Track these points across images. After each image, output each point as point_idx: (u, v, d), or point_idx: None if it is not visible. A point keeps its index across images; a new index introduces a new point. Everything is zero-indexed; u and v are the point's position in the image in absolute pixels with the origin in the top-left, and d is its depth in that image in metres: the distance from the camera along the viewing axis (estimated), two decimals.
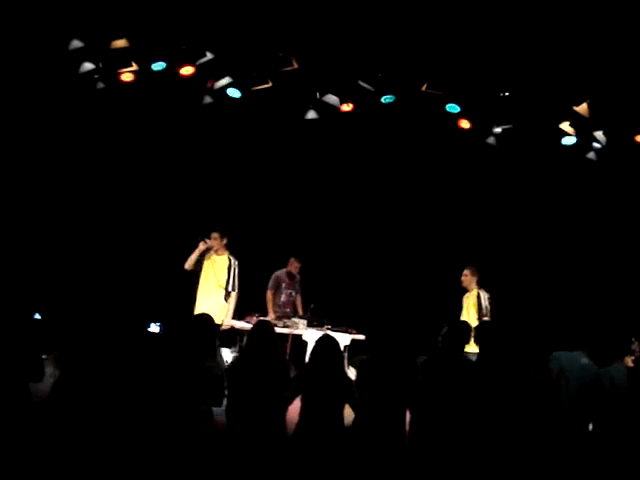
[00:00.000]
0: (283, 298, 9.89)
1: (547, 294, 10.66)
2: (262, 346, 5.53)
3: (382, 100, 9.18)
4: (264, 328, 5.66)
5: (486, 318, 8.66)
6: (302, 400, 5.51)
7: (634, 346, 6.40)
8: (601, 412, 5.56)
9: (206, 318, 5.68)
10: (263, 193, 11.01)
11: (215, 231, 8.50)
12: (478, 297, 8.86)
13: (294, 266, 9.81)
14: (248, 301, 9.67)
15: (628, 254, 10.81)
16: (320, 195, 11.11)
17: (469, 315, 8.80)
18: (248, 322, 9.04)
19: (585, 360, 5.85)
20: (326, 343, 5.51)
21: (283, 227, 10.88)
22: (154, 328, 8.71)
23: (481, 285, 9.03)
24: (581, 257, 10.88)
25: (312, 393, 5.38)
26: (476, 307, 8.79)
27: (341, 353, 5.53)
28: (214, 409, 5.60)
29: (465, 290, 9.05)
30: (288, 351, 9.26)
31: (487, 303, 8.83)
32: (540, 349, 6.09)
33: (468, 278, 9.02)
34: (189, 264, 8.51)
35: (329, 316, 9.64)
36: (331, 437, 5.35)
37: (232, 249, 8.70)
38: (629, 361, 6.42)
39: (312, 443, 5.36)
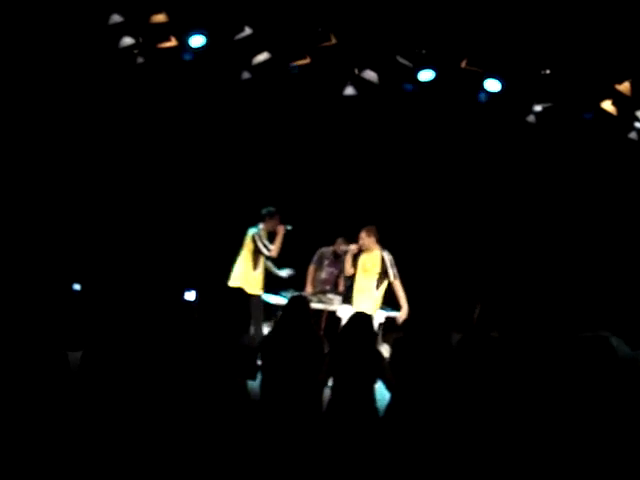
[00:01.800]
0: (324, 275, 9.90)
1: (576, 277, 10.55)
2: (296, 321, 5.56)
3: (419, 78, 9.09)
4: (298, 303, 5.69)
5: (392, 280, 8.56)
6: (333, 377, 5.54)
7: None
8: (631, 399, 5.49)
9: (240, 291, 5.73)
10: (306, 171, 11.03)
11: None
12: (382, 259, 8.65)
13: (340, 246, 9.84)
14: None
15: None
16: (361, 170, 11.07)
17: (365, 276, 8.67)
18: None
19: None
20: (358, 320, 5.53)
21: (332, 205, 10.91)
22: (190, 296, 8.79)
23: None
24: (615, 238, 10.76)
25: (343, 370, 5.40)
26: (377, 267, 8.62)
27: (373, 330, 5.54)
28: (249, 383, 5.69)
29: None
30: (323, 327, 9.31)
31: (391, 264, 8.64)
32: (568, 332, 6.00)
33: (365, 240, 8.70)
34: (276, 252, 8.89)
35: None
36: (362, 414, 5.37)
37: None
38: None
39: (343, 420, 5.39)
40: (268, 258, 8.99)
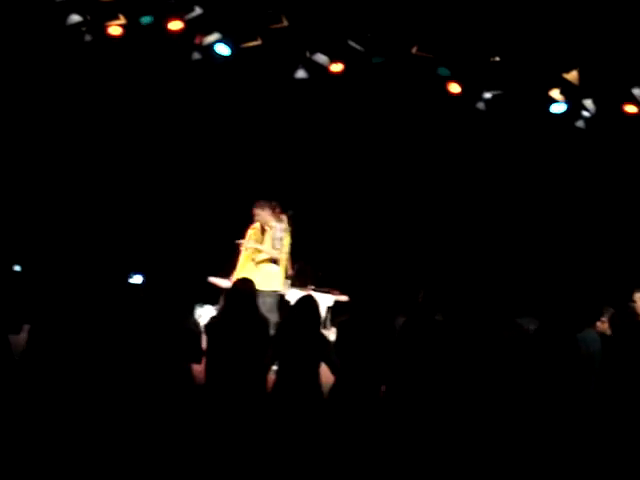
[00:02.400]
0: None
1: (523, 260, 10.71)
2: (241, 304, 5.53)
3: (372, 60, 9.09)
4: (243, 286, 5.65)
5: (279, 251, 8.42)
6: (278, 360, 5.53)
7: (605, 313, 6.40)
8: (577, 378, 5.60)
9: (187, 275, 5.69)
10: (250, 151, 10.93)
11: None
12: (273, 230, 8.43)
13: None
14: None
15: (610, 223, 10.85)
16: (307, 155, 11.04)
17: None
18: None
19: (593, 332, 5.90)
20: (303, 304, 5.53)
21: (271, 186, 10.82)
22: (137, 279, 8.69)
23: None
24: (562, 224, 10.91)
25: (287, 353, 5.40)
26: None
27: (319, 313, 5.52)
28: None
29: None
30: None
31: (276, 237, 8.40)
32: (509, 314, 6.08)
33: (260, 215, 8.47)
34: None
35: (313, 277, 9.67)
36: (306, 397, 5.38)
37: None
38: (601, 327, 6.45)
39: (287, 403, 5.39)
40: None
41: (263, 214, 8.51)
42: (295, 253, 9.86)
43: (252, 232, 8.63)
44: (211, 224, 10.48)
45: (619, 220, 10.83)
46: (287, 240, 8.56)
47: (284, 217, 8.56)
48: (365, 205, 11.11)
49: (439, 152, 11.11)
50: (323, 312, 9.27)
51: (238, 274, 8.28)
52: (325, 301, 9.37)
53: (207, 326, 5.76)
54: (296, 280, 9.51)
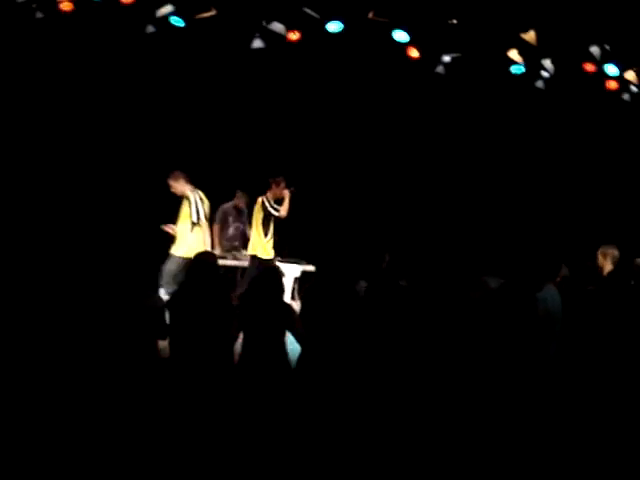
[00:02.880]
0: (231, 232, 9.83)
1: (481, 221, 10.76)
2: (202, 277, 5.47)
3: (328, 29, 9.00)
4: (203, 259, 5.59)
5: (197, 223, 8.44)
6: (243, 331, 5.50)
7: (563, 271, 6.44)
8: (535, 336, 5.63)
9: (147, 250, 5.62)
10: (209, 125, 10.80)
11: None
12: (189, 200, 8.46)
13: (241, 200, 9.75)
14: None
15: (568, 182, 10.93)
16: (266, 126, 10.93)
17: (180, 221, 8.54)
18: None
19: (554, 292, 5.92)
20: (266, 273, 5.49)
21: (231, 160, 10.75)
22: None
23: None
24: (523, 184, 10.97)
25: (252, 324, 5.36)
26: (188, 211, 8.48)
27: (281, 283, 5.49)
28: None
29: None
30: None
31: (196, 207, 8.45)
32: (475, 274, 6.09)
33: (174, 187, 8.53)
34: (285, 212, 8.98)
35: (280, 248, 9.63)
36: (273, 367, 5.35)
37: None
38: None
39: (254, 374, 5.36)
40: (277, 219, 9.01)
41: (177, 185, 8.56)
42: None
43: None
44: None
45: (579, 180, 10.91)
46: (206, 208, 8.63)
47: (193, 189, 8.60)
48: (328, 175, 11.06)
49: (400, 117, 11.08)
50: (290, 283, 9.27)
51: (175, 248, 8.50)
52: (292, 272, 9.35)
53: (169, 301, 5.70)
54: None
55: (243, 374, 5.45)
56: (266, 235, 8.98)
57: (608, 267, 7.08)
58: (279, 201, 9.00)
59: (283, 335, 5.42)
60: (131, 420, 5.36)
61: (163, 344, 5.63)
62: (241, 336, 5.54)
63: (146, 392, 5.46)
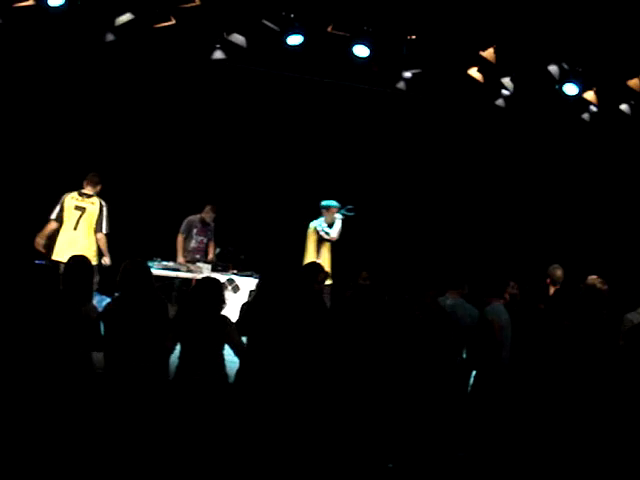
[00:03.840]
0: (193, 244, 9.77)
1: (431, 236, 10.78)
2: (137, 287, 5.38)
3: (287, 42, 8.95)
4: (137, 268, 5.48)
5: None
6: (180, 343, 5.41)
7: (512, 289, 6.45)
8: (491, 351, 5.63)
9: (83, 259, 5.52)
10: (174, 137, 10.74)
11: None
12: (100, 208, 8.24)
13: (209, 214, 9.70)
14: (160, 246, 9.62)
15: (526, 200, 10.98)
16: (230, 138, 10.90)
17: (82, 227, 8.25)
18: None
19: (450, 301, 5.88)
20: (204, 285, 5.41)
21: (198, 173, 10.70)
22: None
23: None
24: (479, 200, 11.00)
25: (189, 336, 5.28)
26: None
27: (221, 295, 5.41)
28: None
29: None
30: None
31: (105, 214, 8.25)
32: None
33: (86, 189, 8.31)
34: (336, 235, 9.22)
35: (235, 261, 9.58)
36: (210, 380, 5.27)
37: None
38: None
39: (191, 386, 5.27)
40: (329, 241, 9.23)
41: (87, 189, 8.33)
42: (218, 238, 9.82)
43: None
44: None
45: (537, 199, 10.96)
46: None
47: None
48: (290, 189, 11.02)
49: (361, 132, 11.07)
50: (246, 296, 9.19)
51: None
52: (247, 285, 9.28)
53: (103, 312, 5.58)
54: (218, 264, 9.44)
55: (180, 388, 5.37)
56: (318, 257, 9.05)
57: (555, 286, 7.11)
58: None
59: (221, 348, 5.34)
60: (62, 434, 5.26)
61: (98, 356, 5.53)
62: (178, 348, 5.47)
63: (79, 405, 5.36)
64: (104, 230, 8.30)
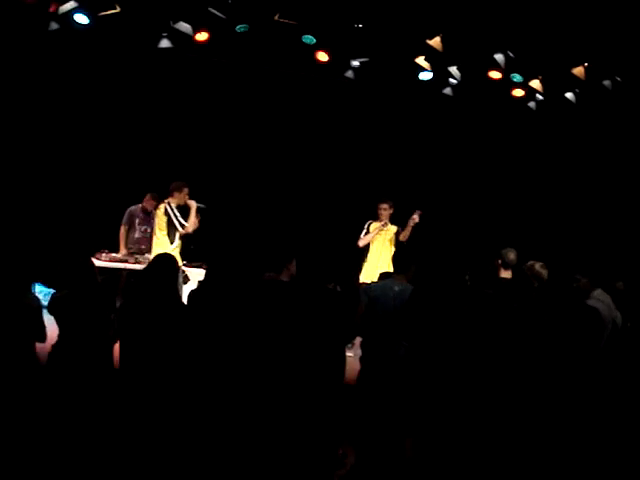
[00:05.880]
0: (137, 234, 9.62)
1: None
2: (81, 277, 5.33)
3: (236, 29, 8.90)
4: (81, 260, 5.45)
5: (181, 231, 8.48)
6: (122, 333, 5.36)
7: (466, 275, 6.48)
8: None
9: (20, 249, 5.45)
10: (115, 126, 10.60)
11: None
12: (166, 211, 8.53)
13: (150, 202, 9.56)
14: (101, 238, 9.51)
15: (475, 187, 11.08)
16: (173, 127, 10.79)
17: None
18: (98, 259, 8.81)
19: (398, 286, 5.88)
20: (150, 273, 5.37)
21: (140, 162, 10.58)
22: None
23: None
24: (428, 188, 11.07)
25: (134, 325, 5.23)
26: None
27: (175, 273, 5.39)
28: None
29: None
30: None
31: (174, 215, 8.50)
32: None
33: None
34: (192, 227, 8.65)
35: (185, 251, 9.49)
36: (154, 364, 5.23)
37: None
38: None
39: (135, 375, 5.24)
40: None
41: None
42: None
43: None
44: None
45: (485, 185, 11.07)
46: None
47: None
48: (239, 176, 10.98)
49: (309, 121, 11.07)
50: (195, 286, 9.13)
51: None
52: (197, 276, 9.21)
53: (50, 303, 5.52)
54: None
55: (126, 376, 5.32)
56: (172, 243, 8.64)
57: (503, 270, 7.13)
58: (183, 209, 8.69)
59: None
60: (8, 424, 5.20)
61: (41, 345, 5.47)
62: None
63: (22, 396, 5.30)
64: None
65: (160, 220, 8.60)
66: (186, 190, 8.67)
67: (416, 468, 5.50)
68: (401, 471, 5.61)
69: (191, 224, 8.59)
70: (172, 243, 8.59)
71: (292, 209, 11.01)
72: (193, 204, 8.67)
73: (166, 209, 8.55)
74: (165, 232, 8.58)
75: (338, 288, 5.80)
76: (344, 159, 11.13)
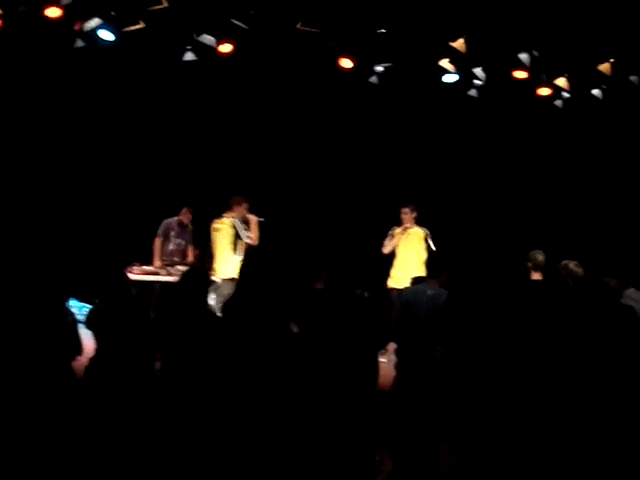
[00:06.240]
0: (171, 247, 9.73)
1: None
2: (116, 291, 5.39)
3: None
4: (117, 275, 5.52)
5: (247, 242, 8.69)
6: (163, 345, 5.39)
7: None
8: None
9: (55, 264, 5.52)
10: (147, 140, 10.71)
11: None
12: (232, 224, 8.75)
13: (186, 215, 9.68)
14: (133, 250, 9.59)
15: (502, 189, 11.02)
16: (207, 141, 10.88)
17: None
18: (130, 272, 8.88)
19: (431, 291, 5.86)
20: (182, 287, 5.40)
21: (172, 175, 10.68)
22: None
23: None
24: (458, 191, 11.03)
25: (171, 337, 5.26)
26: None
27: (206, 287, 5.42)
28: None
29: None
30: None
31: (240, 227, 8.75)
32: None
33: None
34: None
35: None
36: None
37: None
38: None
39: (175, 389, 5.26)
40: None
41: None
42: (196, 239, 9.79)
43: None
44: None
45: (513, 187, 11.00)
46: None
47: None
48: (265, 189, 11.01)
49: (335, 129, 11.08)
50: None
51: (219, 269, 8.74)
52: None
53: (88, 317, 5.59)
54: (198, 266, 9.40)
55: (165, 390, 5.35)
56: (235, 253, 8.80)
57: (534, 272, 7.09)
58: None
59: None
60: (48, 438, 5.24)
61: (79, 359, 5.52)
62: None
63: (60, 408, 5.35)
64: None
65: (226, 233, 8.81)
66: (245, 204, 8.89)
67: (452, 474, 5.48)
68: (438, 477, 5.59)
69: (255, 237, 8.79)
70: (237, 255, 8.72)
71: (320, 216, 11.02)
72: (253, 218, 8.89)
73: (233, 222, 8.77)
74: (231, 245, 8.77)
75: (365, 294, 5.79)
76: (371, 165, 11.12)
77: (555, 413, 5.27)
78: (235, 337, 5.34)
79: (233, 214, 8.83)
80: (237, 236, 8.76)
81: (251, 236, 8.77)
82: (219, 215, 8.91)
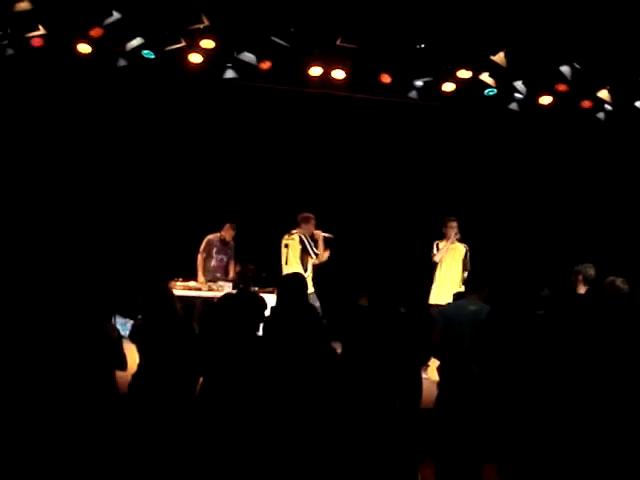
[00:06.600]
0: (214, 263, 9.81)
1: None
2: (160, 306, 5.43)
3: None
4: (160, 289, 5.56)
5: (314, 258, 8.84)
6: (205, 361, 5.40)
7: (545, 291, 6.40)
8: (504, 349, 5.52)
9: (100, 280, 5.57)
10: (192, 158, 10.84)
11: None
12: (301, 240, 8.84)
13: (229, 232, 9.76)
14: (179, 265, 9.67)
15: (545, 202, 10.90)
16: (250, 158, 10.96)
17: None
18: (172, 288, 8.93)
19: (473, 307, 5.80)
20: (222, 306, 5.42)
21: (216, 192, 10.78)
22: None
23: None
24: (499, 204, 10.93)
25: (213, 353, 5.27)
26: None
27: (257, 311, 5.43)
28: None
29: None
30: None
31: (309, 244, 8.85)
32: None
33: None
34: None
35: (256, 278, 9.56)
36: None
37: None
38: None
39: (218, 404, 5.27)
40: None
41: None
42: (239, 255, 9.84)
43: None
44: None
45: (556, 200, 10.88)
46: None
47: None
48: (304, 204, 11.03)
49: (378, 144, 11.08)
50: (267, 312, 9.17)
51: None
52: (269, 301, 9.25)
53: (131, 331, 5.65)
54: (239, 282, 9.42)
55: (206, 406, 5.36)
56: (305, 270, 8.85)
57: (582, 286, 7.00)
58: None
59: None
60: (91, 452, 5.29)
61: (122, 374, 5.57)
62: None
63: (104, 423, 5.40)
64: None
65: (295, 249, 8.94)
66: (313, 221, 9.02)
67: None
68: None
69: (323, 253, 8.92)
70: (305, 271, 8.79)
71: (362, 233, 11.01)
72: (320, 234, 8.99)
73: (301, 238, 8.91)
74: (299, 261, 8.89)
75: (402, 310, 5.77)
76: (412, 181, 11.10)
77: (604, 436, 5.16)
78: (276, 356, 5.36)
79: (302, 230, 8.92)
80: (305, 252, 8.85)
81: (318, 253, 8.90)
82: (289, 232, 9.04)
